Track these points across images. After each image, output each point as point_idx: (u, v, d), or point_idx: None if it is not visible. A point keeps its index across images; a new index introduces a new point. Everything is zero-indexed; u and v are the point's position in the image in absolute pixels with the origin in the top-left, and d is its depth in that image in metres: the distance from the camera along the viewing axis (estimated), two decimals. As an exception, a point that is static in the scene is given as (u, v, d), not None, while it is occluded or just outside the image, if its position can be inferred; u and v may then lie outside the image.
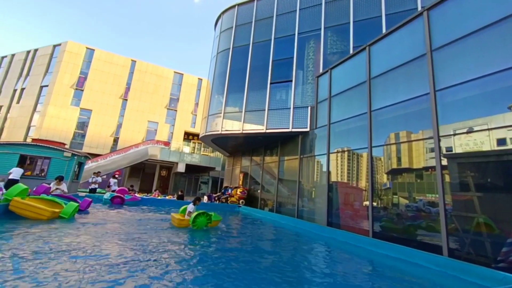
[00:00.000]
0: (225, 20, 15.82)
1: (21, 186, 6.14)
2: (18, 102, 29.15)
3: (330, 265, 4.59)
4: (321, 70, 10.83)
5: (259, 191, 13.72)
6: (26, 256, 3.31)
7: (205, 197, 14.66)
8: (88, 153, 20.42)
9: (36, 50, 30.74)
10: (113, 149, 27.15)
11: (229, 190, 14.43)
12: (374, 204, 6.60)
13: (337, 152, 8.49)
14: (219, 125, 13.42)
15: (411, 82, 6.20)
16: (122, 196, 10.69)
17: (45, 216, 5.77)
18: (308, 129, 10.45)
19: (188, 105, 33.06)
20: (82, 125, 27.80)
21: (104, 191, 13.21)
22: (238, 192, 13.60)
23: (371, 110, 7.16)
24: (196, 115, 33.17)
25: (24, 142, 13.02)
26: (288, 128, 11.02)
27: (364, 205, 7.02)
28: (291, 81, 11.72)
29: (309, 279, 3.62)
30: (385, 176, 6.69)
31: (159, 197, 14.17)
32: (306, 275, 3.82)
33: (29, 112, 27.59)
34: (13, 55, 32.41)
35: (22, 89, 29.49)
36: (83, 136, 27.46)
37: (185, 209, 6.99)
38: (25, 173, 11.30)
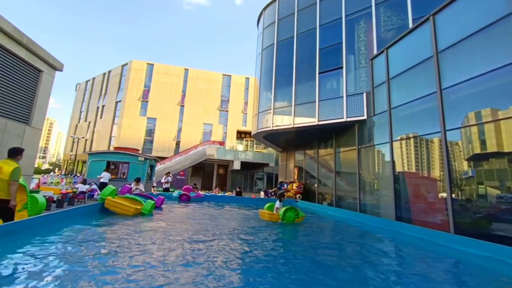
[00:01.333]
0: (267, 16, 15.81)
1: (111, 187, 7.32)
2: (101, 117, 34.68)
3: (412, 264, 4.23)
4: (375, 52, 9.93)
5: (315, 185, 13.42)
6: (131, 238, 3.97)
7: (262, 193, 15.06)
8: (157, 157, 23.06)
9: (109, 72, 35.98)
10: (176, 151, 30.05)
11: (285, 185, 14.50)
12: (453, 195, 5.78)
13: (401, 139, 7.69)
14: (269, 122, 13.56)
15: (493, 50, 5.19)
16: (188, 193, 11.77)
17: (130, 212, 6.76)
18: (365, 117, 9.73)
19: (238, 105, 34.30)
20: (150, 132, 31.51)
21: (173, 190, 14.74)
22: (294, 187, 13.56)
23: (441, 88, 6.26)
24: (246, 113, 34.19)
25: (109, 151, 15.46)
26: (342, 118, 10.45)
27: (440, 197, 6.22)
28: (342, 68, 11.05)
29: (391, 278, 3.40)
30: (465, 163, 5.79)
31: (219, 194, 15.15)
32: (387, 274, 3.61)
33: (109, 125, 32.55)
34: (94, 78, 38.60)
35: (103, 106, 34.95)
36: (151, 142, 31.11)
37: (271, 206, 7.48)
38: (112, 176, 13.43)
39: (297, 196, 13.30)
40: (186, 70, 33.88)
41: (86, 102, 38.71)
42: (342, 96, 10.70)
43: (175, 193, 12.06)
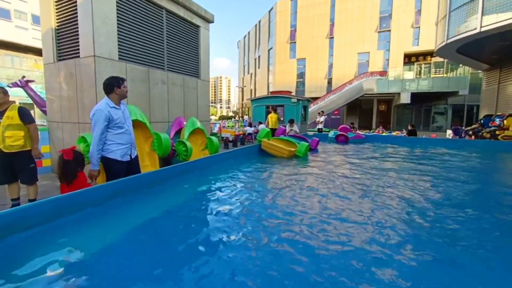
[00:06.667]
0: None
1: (265, 129, 7.28)
2: (258, 67, 38.34)
3: None
4: None
5: None
6: (293, 183, 3.42)
7: (449, 132, 10.82)
8: (310, 97, 22.61)
9: (259, 22, 37.61)
10: (328, 90, 28.26)
11: (496, 119, 9.42)
12: None
13: None
14: (474, 21, 8.54)
15: None
16: (345, 134, 10.33)
17: (285, 154, 6.42)
18: None
19: (405, 18, 25.83)
20: (301, 75, 31.28)
21: (328, 130, 13.78)
22: (521, 122, 8.41)
23: None
24: (419, 27, 25.34)
25: (265, 96, 16.46)
26: None
27: None
28: None
29: None
30: None
31: (383, 134, 12.52)
32: None
33: (266, 73, 35.39)
34: (248, 33, 42.22)
35: (259, 57, 38.13)
36: (303, 83, 30.99)
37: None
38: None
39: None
40: (333, -8, 28.82)
41: (246, 56, 43.92)
42: None
43: (331, 133, 10.97)
